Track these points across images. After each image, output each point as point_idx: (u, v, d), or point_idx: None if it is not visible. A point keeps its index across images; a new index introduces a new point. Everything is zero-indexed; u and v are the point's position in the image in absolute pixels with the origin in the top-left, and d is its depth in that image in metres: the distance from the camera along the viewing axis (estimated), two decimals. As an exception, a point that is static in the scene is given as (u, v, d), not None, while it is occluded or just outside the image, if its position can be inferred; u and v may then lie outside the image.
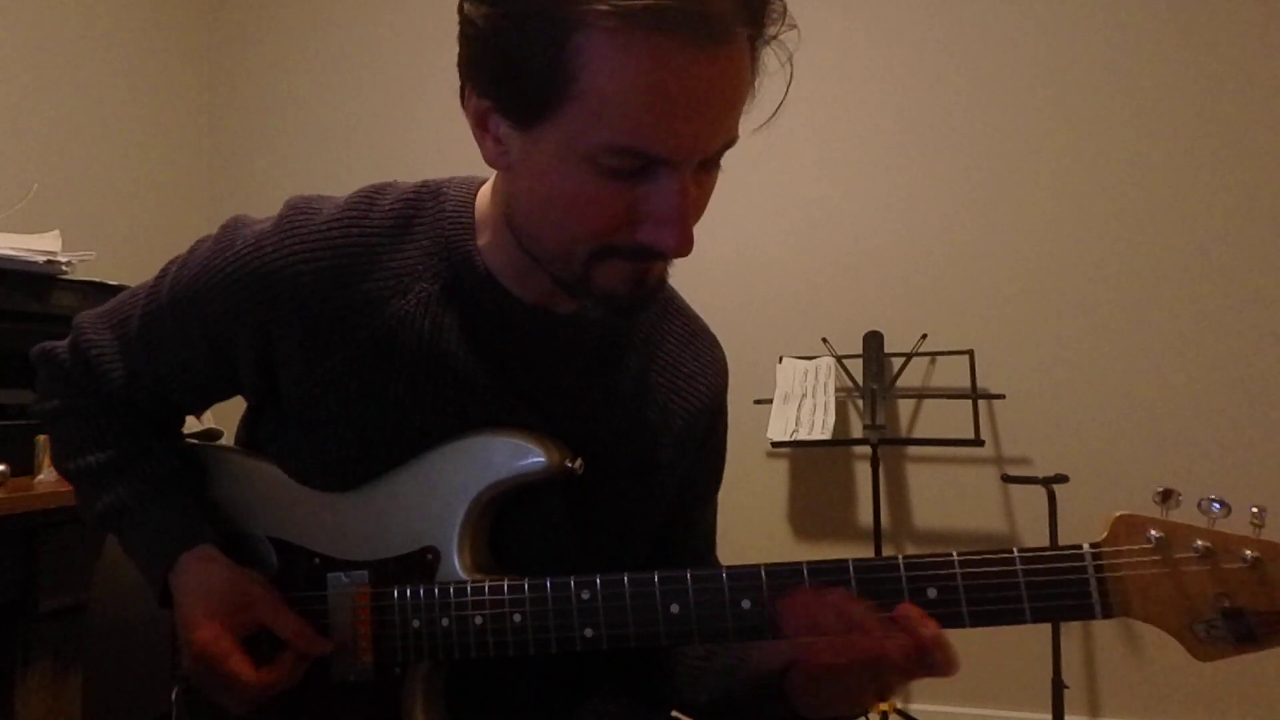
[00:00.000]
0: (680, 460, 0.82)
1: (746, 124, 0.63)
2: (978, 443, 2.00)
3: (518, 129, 0.61)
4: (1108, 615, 0.61)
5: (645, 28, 0.54)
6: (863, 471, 2.27)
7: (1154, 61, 2.13)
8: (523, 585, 0.69)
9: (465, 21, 0.61)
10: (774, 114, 0.65)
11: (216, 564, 0.77)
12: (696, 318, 0.88)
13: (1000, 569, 0.63)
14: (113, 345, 0.82)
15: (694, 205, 0.63)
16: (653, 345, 0.82)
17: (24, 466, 1.67)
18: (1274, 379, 2.02)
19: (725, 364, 0.89)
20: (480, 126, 0.64)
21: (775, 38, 0.61)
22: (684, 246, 0.61)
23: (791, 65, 0.63)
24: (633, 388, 0.79)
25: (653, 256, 0.64)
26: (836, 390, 2.14)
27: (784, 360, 2.24)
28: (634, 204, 0.61)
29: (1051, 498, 1.96)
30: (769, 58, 0.62)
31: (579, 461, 0.73)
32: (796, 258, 2.38)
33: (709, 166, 0.63)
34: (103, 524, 0.82)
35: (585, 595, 0.68)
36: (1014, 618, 0.62)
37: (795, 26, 0.61)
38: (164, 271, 0.82)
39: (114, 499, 0.81)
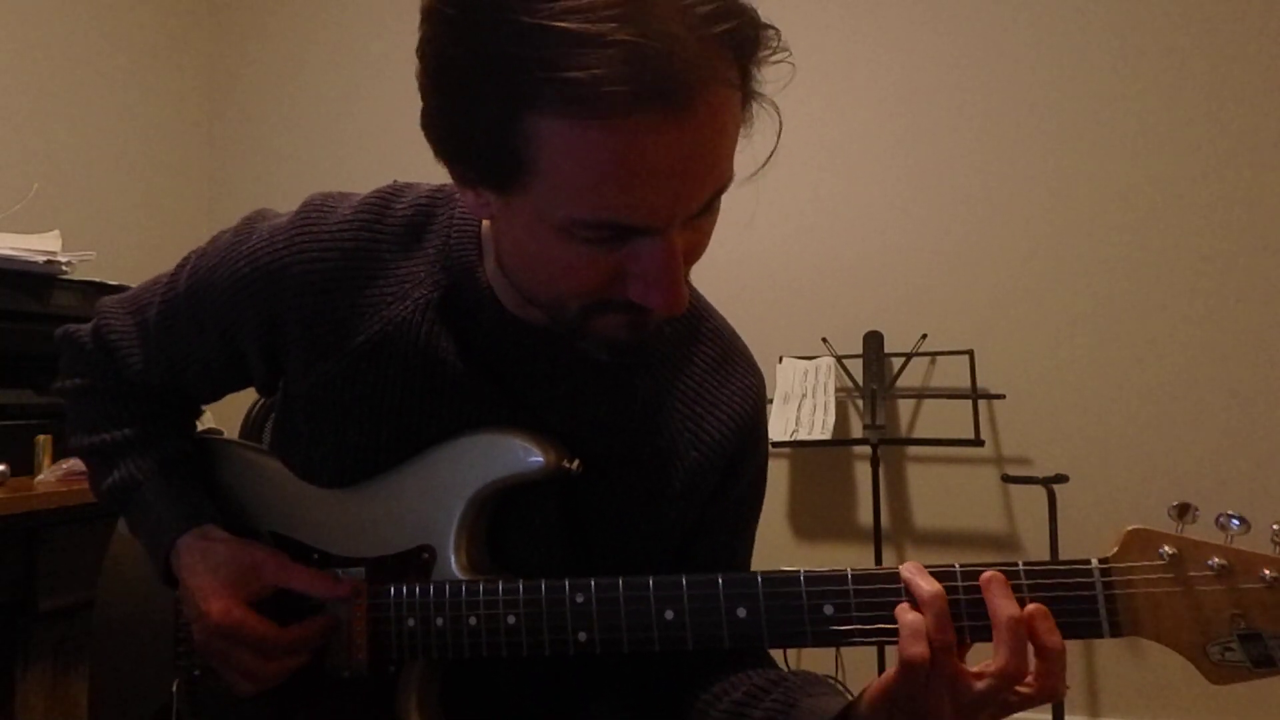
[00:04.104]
0: (695, 491, 0.78)
1: (747, 142, 0.59)
2: (978, 443, 2.00)
3: (491, 190, 0.58)
4: (1116, 634, 0.58)
5: (603, 114, 0.49)
6: (863, 471, 2.27)
7: (1155, 62, 2.13)
8: (517, 587, 0.69)
9: (419, 84, 0.57)
10: (765, 164, 0.60)
11: (219, 540, 0.77)
12: (732, 340, 0.83)
13: None
14: (132, 331, 0.84)
15: (689, 254, 0.59)
16: (675, 369, 0.78)
17: (24, 466, 1.68)
18: (1274, 379, 2.01)
19: (758, 391, 0.82)
20: (460, 180, 0.61)
21: (767, 61, 0.56)
22: (676, 306, 0.58)
23: (780, 116, 0.59)
24: (643, 409, 0.76)
25: (647, 309, 0.61)
26: (836, 390, 2.14)
27: (784, 360, 2.24)
28: (620, 263, 0.58)
29: (1051, 498, 1.96)
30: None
31: (577, 463, 0.73)
32: (796, 258, 2.38)
33: (702, 214, 0.58)
34: (111, 499, 0.84)
35: (580, 599, 0.67)
36: None
37: (789, 52, 0.56)
38: (184, 261, 0.83)
39: (124, 475, 0.82)
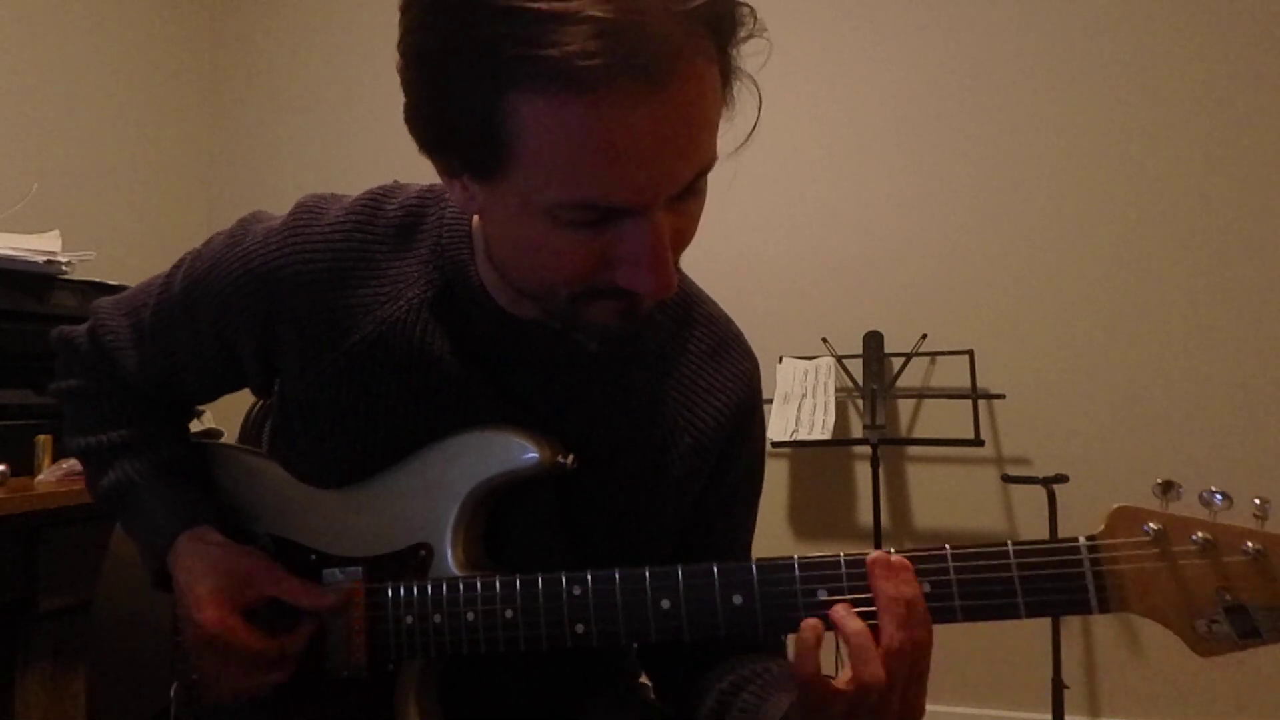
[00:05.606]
0: (690, 478, 0.79)
1: (730, 126, 0.59)
2: (978, 443, 2.00)
3: (476, 180, 0.59)
4: (1104, 610, 0.60)
5: (579, 89, 0.49)
6: (863, 471, 2.27)
7: (1155, 62, 2.13)
8: (514, 581, 0.69)
9: (400, 78, 0.57)
10: (745, 141, 0.60)
11: (214, 544, 0.77)
12: (726, 326, 0.84)
13: (994, 562, 0.61)
14: (127, 332, 0.84)
15: (678, 237, 0.59)
16: (669, 358, 0.78)
17: (24, 466, 1.68)
18: (1275, 378, 2.01)
19: (753, 377, 0.83)
20: (446, 173, 0.61)
21: (746, 40, 0.56)
22: (664, 288, 0.58)
23: (760, 91, 0.59)
24: (638, 399, 0.76)
25: (637, 295, 0.61)
26: (836, 390, 2.14)
27: (784, 360, 2.24)
28: (606, 248, 0.57)
29: (1051, 498, 1.96)
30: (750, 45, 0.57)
31: (571, 458, 0.73)
32: (796, 258, 2.38)
33: (688, 195, 0.58)
34: (106, 500, 0.84)
35: (576, 591, 0.68)
36: (1008, 612, 0.61)
37: (766, 30, 0.56)
38: (179, 263, 0.83)
39: (120, 476, 0.82)
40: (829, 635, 0.63)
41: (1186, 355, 2.07)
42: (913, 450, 2.26)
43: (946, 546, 0.62)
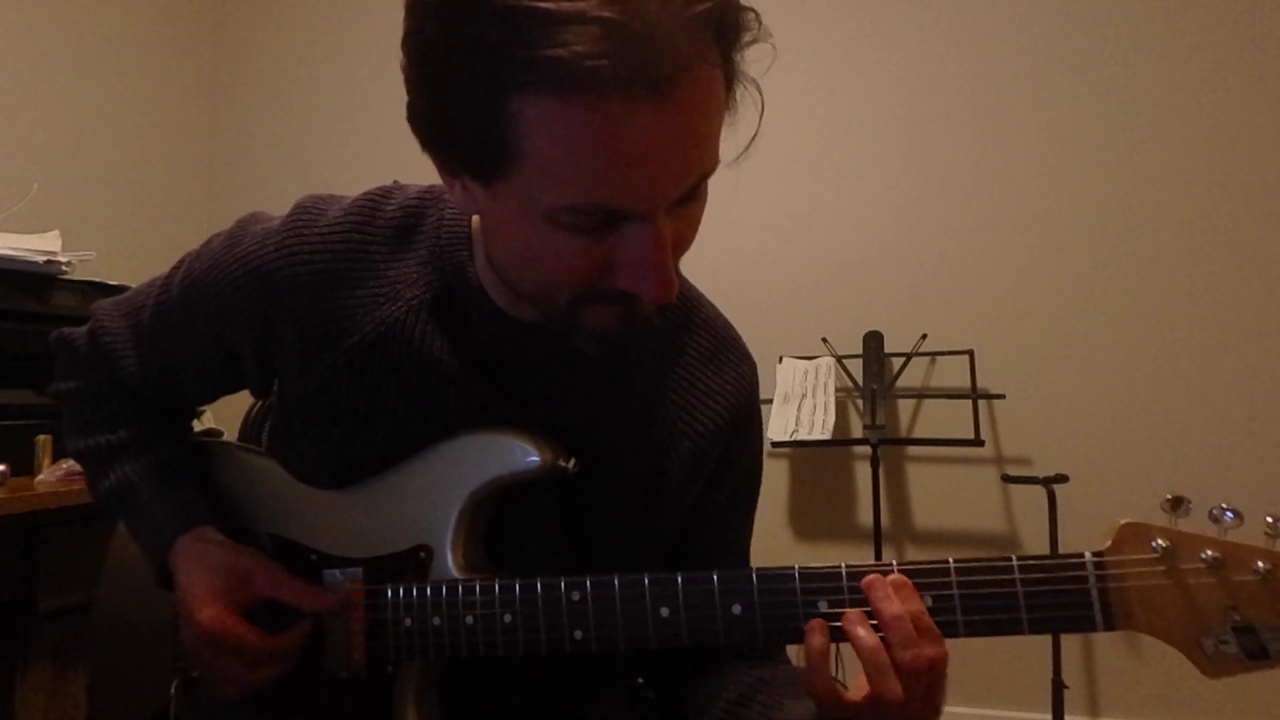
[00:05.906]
0: (690, 482, 0.78)
1: (732, 130, 0.58)
2: (978, 443, 2.00)
3: (477, 181, 0.58)
4: (1110, 628, 0.59)
5: (584, 90, 0.49)
6: (863, 471, 2.27)
7: (1155, 62, 2.13)
8: (513, 585, 0.69)
9: (404, 76, 0.57)
10: (747, 148, 0.60)
11: (215, 544, 0.77)
12: (725, 330, 0.83)
13: (998, 578, 0.60)
14: (126, 334, 0.84)
15: (679, 241, 0.59)
16: (668, 360, 0.78)
17: (24, 466, 1.68)
18: (1275, 379, 2.01)
19: (752, 381, 0.83)
20: (446, 173, 0.61)
21: (750, 45, 0.56)
22: (665, 293, 0.58)
23: (763, 97, 0.58)
24: (638, 402, 0.76)
25: (637, 299, 0.60)
26: (836, 390, 2.14)
27: (784, 360, 2.24)
28: (608, 252, 0.57)
29: (1051, 498, 1.96)
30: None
31: (572, 461, 0.73)
32: (796, 258, 2.38)
33: (689, 200, 0.58)
34: (108, 503, 0.84)
35: (575, 596, 0.67)
36: (1011, 628, 0.60)
37: (770, 35, 0.56)
38: (178, 264, 0.83)
39: (121, 478, 0.82)
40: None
41: (1186, 355, 2.07)
42: (913, 450, 2.26)
43: (950, 560, 0.62)
